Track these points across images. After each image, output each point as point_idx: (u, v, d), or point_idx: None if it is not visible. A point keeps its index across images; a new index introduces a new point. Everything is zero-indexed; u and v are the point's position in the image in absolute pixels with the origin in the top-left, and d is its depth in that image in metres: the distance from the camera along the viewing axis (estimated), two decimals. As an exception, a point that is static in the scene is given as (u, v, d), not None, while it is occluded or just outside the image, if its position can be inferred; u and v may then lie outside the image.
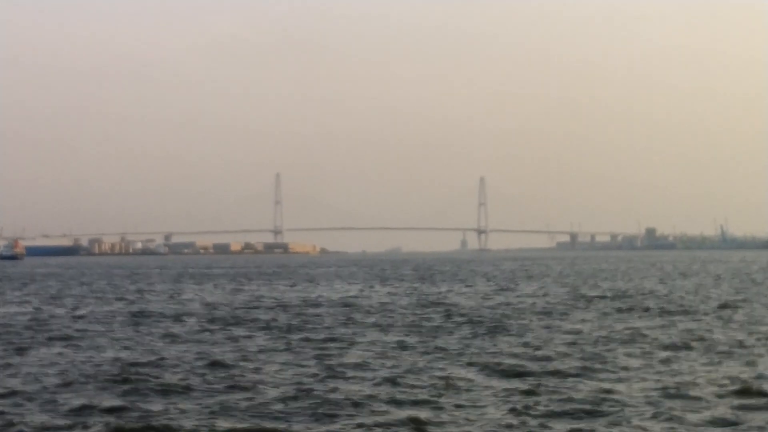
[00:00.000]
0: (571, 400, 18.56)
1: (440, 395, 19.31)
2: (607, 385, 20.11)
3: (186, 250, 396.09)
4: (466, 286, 69.74)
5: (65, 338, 31.37)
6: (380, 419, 17.06)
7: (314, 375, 22.21)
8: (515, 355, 25.41)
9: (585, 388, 19.87)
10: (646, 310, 41.57)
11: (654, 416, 17.05)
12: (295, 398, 19.14)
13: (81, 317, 41.27)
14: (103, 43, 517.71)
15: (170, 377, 21.95)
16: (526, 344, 28.02)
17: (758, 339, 28.93)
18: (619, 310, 41.32)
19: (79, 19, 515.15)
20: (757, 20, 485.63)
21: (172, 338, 31.29)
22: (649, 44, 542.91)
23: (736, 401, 18.41)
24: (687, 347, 26.86)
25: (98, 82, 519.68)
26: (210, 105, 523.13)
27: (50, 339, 31.11)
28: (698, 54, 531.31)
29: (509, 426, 16.50)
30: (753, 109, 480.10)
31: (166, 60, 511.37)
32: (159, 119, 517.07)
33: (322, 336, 31.31)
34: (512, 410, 17.62)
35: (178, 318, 40.12)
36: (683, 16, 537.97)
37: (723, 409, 17.66)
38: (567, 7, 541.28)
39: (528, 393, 19.35)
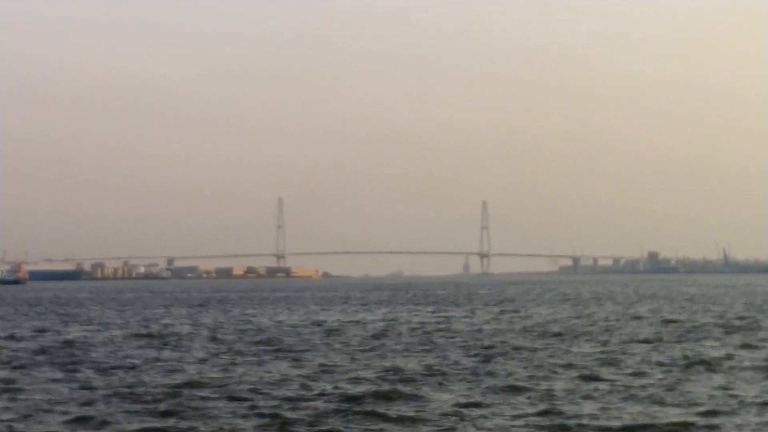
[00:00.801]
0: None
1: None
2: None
3: (189, 275, 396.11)
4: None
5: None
6: None
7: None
8: None
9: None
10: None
11: None
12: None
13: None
14: (103, 67, 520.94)
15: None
16: None
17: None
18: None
19: (79, 43, 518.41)
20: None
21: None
22: (651, 69, 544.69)
23: None
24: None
25: (99, 106, 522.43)
26: (212, 130, 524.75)
27: None
28: (700, 80, 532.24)
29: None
30: (756, 134, 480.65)
31: (168, 84, 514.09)
32: (161, 144, 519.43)
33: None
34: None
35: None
36: (688, 47, 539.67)
37: None
38: (569, 33, 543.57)
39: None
